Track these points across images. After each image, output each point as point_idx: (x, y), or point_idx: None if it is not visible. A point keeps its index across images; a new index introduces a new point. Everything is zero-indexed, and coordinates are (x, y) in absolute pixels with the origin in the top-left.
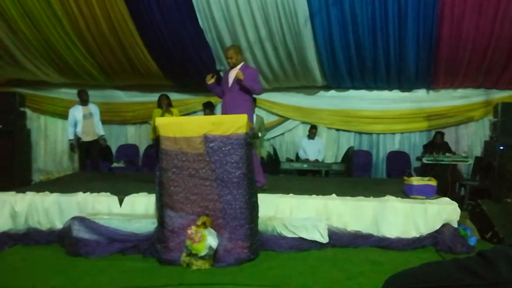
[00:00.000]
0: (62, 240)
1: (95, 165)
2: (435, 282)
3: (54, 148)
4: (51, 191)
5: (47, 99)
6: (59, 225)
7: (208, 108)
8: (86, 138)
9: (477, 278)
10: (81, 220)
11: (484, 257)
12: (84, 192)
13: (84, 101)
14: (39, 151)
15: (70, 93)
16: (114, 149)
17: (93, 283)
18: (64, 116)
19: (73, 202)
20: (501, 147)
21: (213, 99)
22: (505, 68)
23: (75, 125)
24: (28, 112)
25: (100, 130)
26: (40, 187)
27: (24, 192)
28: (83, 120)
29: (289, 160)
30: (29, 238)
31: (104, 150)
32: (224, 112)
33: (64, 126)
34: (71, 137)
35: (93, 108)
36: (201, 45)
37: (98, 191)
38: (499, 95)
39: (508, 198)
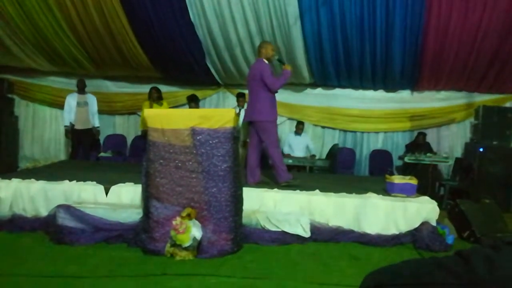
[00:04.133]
0: (46, 227)
1: (86, 155)
2: (414, 280)
3: (42, 136)
4: (37, 179)
5: (36, 87)
6: (44, 213)
7: (193, 101)
8: (78, 126)
9: (455, 277)
10: (67, 208)
11: (462, 257)
12: (70, 180)
13: (80, 89)
14: (26, 139)
15: (59, 81)
16: (102, 139)
17: (77, 271)
18: (52, 104)
19: (59, 190)
20: (481, 149)
21: (199, 93)
22: (487, 72)
23: (70, 112)
24: (16, 99)
25: (95, 121)
26: (26, 174)
27: (9, 178)
28: (76, 107)
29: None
30: (14, 224)
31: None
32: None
33: (52, 114)
34: (67, 123)
35: (90, 98)
36: (192, 39)
37: (84, 180)
38: (480, 98)
39: (486, 199)
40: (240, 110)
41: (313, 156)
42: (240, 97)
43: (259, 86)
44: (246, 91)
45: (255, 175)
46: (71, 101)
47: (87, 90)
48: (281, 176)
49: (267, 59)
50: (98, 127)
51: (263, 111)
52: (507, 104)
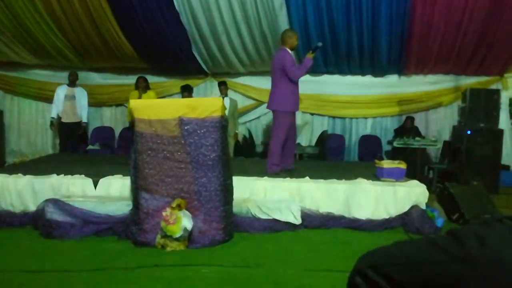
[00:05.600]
0: (35, 222)
1: (74, 148)
2: (406, 259)
3: (28, 130)
4: (25, 173)
5: (20, 80)
6: (32, 208)
7: (187, 91)
8: (65, 119)
9: (447, 255)
10: (55, 202)
11: (454, 235)
12: (58, 174)
13: (71, 82)
14: (12, 133)
15: (44, 75)
16: (89, 132)
17: (67, 265)
18: (38, 97)
19: (47, 184)
20: (469, 132)
21: (197, 82)
22: (474, 55)
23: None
24: (1, 93)
25: (83, 116)
26: (13, 169)
27: None
28: (64, 100)
29: (264, 143)
30: (2, 220)
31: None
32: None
33: (38, 107)
34: (53, 115)
35: (78, 91)
36: (177, 27)
37: (73, 173)
38: (467, 81)
39: (474, 181)
40: (223, 98)
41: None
42: (222, 85)
43: (279, 75)
44: (228, 79)
45: (278, 163)
46: (60, 93)
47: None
48: (269, 167)
49: (291, 49)
50: (85, 122)
51: (277, 101)
52: (494, 86)
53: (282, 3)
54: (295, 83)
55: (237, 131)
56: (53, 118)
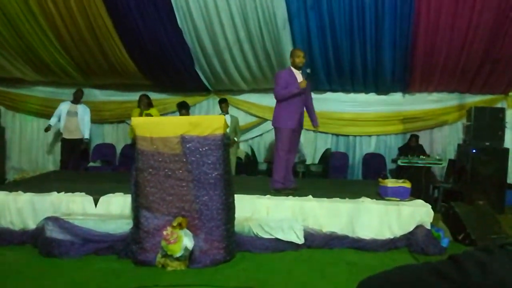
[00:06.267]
0: (35, 240)
1: (76, 165)
2: (407, 285)
3: (30, 146)
4: (25, 191)
5: (22, 97)
6: (32, 225)
7: (184, 108)
8: (66, 135)
9: (448, 282)
10: (55, 220)
11: (455, 261)
12: (58, 191)
13: (75, 99)
14: (13, 150)
15: (46, 91)
16: (90, 149)
17: (67, 284)
18: (39, 114)
19: (47, 202)
20: (474, 151)
21: (189, 100)
22: (478, 73)
23: (60, 119)
24: (2, 109)
25: (85, 132)
26: (14, 186)
27: None
28: (66, 116)
29: (267, 161)
30: (1, 238)
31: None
32: (301, 114)
33: (39, 124)
34: (51, 122)
35: (81, 108)
36: (180, 45)
37: (73, 190)
38: (472, 99)
39: (480, 201)
40: (224, 115)
41: (303, 161)
42: (222, 102)
43: None
44: (231, 97)
45: (282, 181)
46: (62, 108)
47: (68, 99)
48: (272, 183)
49: (295, 67)
50: (87, 139)
51: (276, 118)
52: (499, 105)
53: (285, 21)
54: (296, 102)
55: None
56: (50, 124)
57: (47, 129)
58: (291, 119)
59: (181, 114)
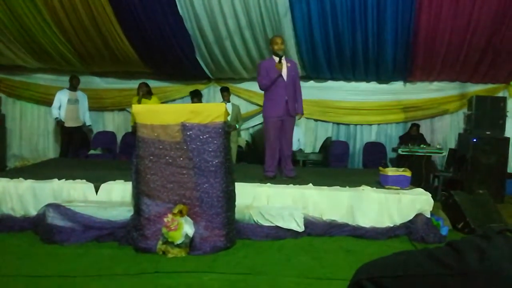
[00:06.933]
0: (36, 227)
1: (76, 152)
2: (405, 271)
3: (30, 134)
4: (26, 178)
5: (23, 84)
6: (33, 212)
7: (197, 97)
8: (68, 123)
9: (446, 268)
10: (56, 207)
11: (454, 248)
12: (59, 179)
13: (72, 86)
14: (14, 137)
15: (47, 79)
16: (91, 136)
17: (67, 270)
18: (40, 101)
19: (48, 188)
20: (475, 140)
21: (189, 88)
22: (479, 62)
23: (60, 108)
24: (3, 97)
25: (87, 119)
26: (15, 173)
27: None
28: (67, 104)
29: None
30: (2, 224)
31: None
32: (288, 102)
33: (40, 112)
34: (56, 115)
35: (80, 95)
36: (181, 33)
37: (74, 178)
38: (473, 89)
39: (480, 190)
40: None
41: (301, 150)
42: (224, 91)
43: None
44: (232, 85)
45: (272, 170)
46: (62, 97)
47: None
48: (264, 170)
49: (275, 54)
50: (90, 125)
51: (263, 107)
52: (500, 94)
53: (286, 9)
54: (278, 90)
55: (239, 137)
56: (57, 118)
57: (59, 123)
58: (275, 107)
59: (193, 102)
